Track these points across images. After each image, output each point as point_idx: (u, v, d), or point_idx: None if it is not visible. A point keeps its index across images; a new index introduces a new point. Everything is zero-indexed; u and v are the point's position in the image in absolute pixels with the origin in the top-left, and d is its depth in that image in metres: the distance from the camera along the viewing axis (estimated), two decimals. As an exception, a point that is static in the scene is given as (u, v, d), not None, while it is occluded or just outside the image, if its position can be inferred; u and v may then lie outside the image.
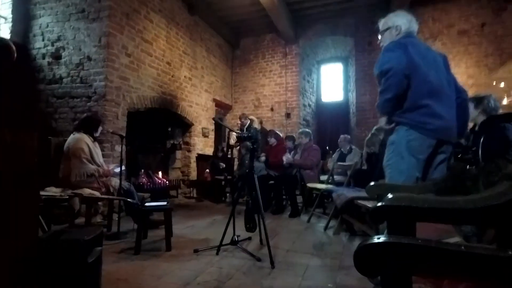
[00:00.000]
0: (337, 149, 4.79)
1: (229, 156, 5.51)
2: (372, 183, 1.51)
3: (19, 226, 1.22)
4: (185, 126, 5.81)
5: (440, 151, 1.66)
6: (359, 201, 2.56)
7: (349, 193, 2.86)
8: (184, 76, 5.53)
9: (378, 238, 0.56)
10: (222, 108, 7.15)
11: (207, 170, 5.50)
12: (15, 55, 1.49)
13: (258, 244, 2.60)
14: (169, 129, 5.72)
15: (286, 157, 4.42)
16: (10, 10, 3.93)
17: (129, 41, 4.16)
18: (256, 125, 5.54)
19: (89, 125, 3.04)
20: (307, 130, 4.72)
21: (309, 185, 3.99)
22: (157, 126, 5.38)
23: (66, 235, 1.51)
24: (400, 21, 1.80)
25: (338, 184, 3.84)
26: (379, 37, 1.92)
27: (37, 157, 1.30)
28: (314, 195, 4.09)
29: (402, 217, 0.81)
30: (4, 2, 3.90)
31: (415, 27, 1.81)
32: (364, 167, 3.95)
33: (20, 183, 1.27)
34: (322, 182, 4.13)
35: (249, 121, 5.27)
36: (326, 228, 3.19)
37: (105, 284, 1.66)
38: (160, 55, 4.85)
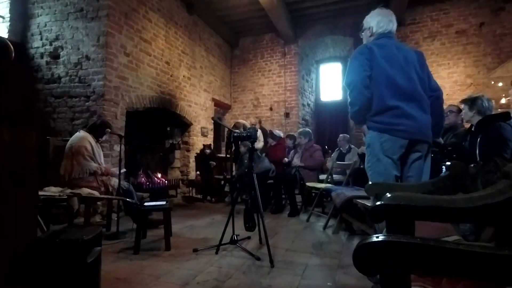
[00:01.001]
0: (336, 149, 4.80)
1: (228, 156, 5.49)
2: (370, 182, 1.52)
3: (18, 226, 1.22)
4: (184, 125, 5.80)
5: (414, 150, 1.68)
6: (358, 200, 2.57)
7: (348, 192, 2.87)
8: (183, 76, 5.52)
9: (377, 237, 0.57)
10: (221, 108, 7.15)
11: (198, 172, 5.47)
12: (13, 54, 1.48)
13: (257, 243, 2.60)
14: (168, 128, 5.72)
15: (293, 161, 4.45)
16: (8, 9, 3.91)
17: (128, 40, 4.15)
18: (249, 126, 5.49)
19: (99, 129, 3.06)
20: (307, 129, 4.71)
21: (308, 184, 3.99)
22: (156, 125, 5.38)
23: (65, 235, 1.51)
24: (372, 22, 1.84)
25: (337, 183, 3.85)
26: (361, 36, 1.96)
27: (35, 157, 1.29)
28: (313, 194, 4.09)
29: (401, 216, 0.81)
30: (2, 1, 3.88)
31: (389, 26, 1.82)
32: (362, 166, 3.96)
33: (19, 183, 1.26)
34: (321, 181, 4.13)
35: (242, 127, 5.20)
36: (325, 227, 3.19)
37: (104, 284, 1.66)
38: (159, 55, 4.84)
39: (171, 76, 5.14)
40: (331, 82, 7.96)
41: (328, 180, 3.92)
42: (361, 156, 3.63)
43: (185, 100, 5.56)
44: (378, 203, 0.88)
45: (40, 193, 2.44)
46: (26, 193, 1.29)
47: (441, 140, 2.56)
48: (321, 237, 2.91)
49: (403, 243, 0.54)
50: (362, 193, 2.53)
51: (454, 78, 5.70)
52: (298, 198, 4.41)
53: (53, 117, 3.91)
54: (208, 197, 5.23)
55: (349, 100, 1.74)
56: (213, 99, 6.62)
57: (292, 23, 6.64)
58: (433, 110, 1.74)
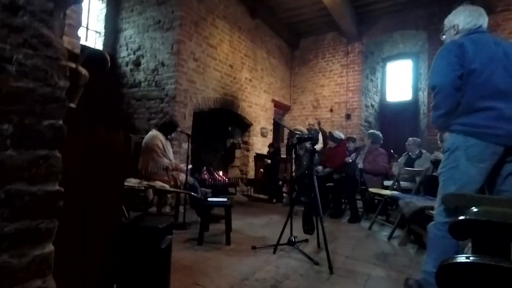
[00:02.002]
0: (404, 153, 4.41)
1: (283, 156, 5.49)
2: (450, 193, 1.37)
3: (109, 212, 1.43)
4: (244, 126, 6.02)
5: (510, 160, 1.45)
6: (432, 212, 2.32)
7: (419, 201, 2.62)
8: (245, 78, 5.73)
9: (467, 258, 0.51)
10: (280, 109, 7.20)
11: (261, 170, 5.58)
12: (109, 65, 1.74)
13: (315, 247, 2.56)
14: (230, 128, 6.00)
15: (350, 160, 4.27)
16: (103, 26, 4.60)
17: (197, 47, 4.49)
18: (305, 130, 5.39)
19: (168, 127, 3.40)
20: (377, 133, 4.42)
21: (372, 190, 3.76)
22: (218, 125, 5.69)
23: (144, 222, 1.71)
24: (457, 19, 1.68)
25: (405, 190, 3.54)
26: (442, 38, 1.80)
27: (123, 152, 1.50)
28: (376, 201, 3.83)
29: (493, 235, 0.71)
30: (99, 20, 4.58)
31: (480, 21, 1.62)
32: (436, 173, 3.56)
33: (112, 174, 1.48)
34: (386, 187, 3.84)
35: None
36: (390, 237, 2.97)
37: (172, 270, 1.83)
38: (224, 59, 5.11)
39: (234, 78, 5.38)
40: (399, 81, 7.33)
41: (394, 187, 3.63)
42: (435, 163, 3.27)
43: (246, 101, 5.76)
44: (462, 217, 0.80)
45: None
46: (117, 183, 1.51)
47: None
48: (385, 248, 2.71)
49: (501, 268, 0.48)
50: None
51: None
52: (359, 203, 4.18)
53: (134, 117, 4.46)
54: (271, 198, 5.28)
55: (433, 103, 1.60)
56: (273, 100, 6.71)
57: (356, 20, 6.32)
58: None
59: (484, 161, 1.45)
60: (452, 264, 0.52)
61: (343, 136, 4.70)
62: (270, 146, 5.77)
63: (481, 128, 1.45)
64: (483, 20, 1.62)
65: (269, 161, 5.43)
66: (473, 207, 0.80)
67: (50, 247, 0.77)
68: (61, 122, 0.79)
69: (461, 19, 1.66)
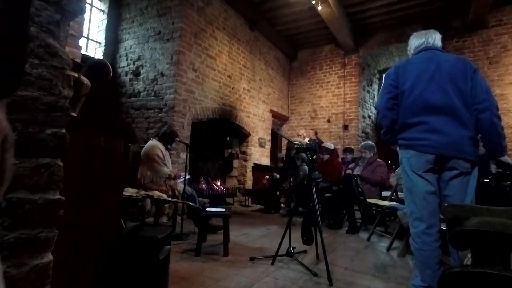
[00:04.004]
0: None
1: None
2: (448, 203, 1.38)
3: (108, 220, 1.41)
4: (242, 136, 6.03)
5: (448, 167, 1.57)
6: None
7: (417, 212, 2.61)
8: (243, 88, 5.78)
9: (468, 267, 0.52)
10: (278, 119, 7.24)
11: (267, 177, 5.52)
12: (111, 74, 1.76)
13: (314, 258, 2.53)
14: (228, 138, 6.01)
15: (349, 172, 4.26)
16: (103, 36, 4.66)
17: (196, 57, 4.55)
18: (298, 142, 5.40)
19: (168, 137, 3.41)
20: (370, 143, 4.43)
21: (370, 200, 3.75)
22: (216, 135, 5.70)
23: (142, 232, 1.69)
24: (410, 43, 1.90)
25: (403, 201, 3.53)
26: None
27: (123, 161, 1.50)
28: (374, 211, 3.82)
29: (492, 245, 0.72)
30: (100, 30, 4.64)
31: (423, 39, 1.80)
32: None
33: (111, 182, 1.47)
34: (384, 198, 3.84)
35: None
36: (389, 248, 2.94)
37: (170, 281, 1.80)
38: (223, 69, 5.17)
39: (232, 88, 5.43)
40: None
41: (393, 197, 3.62)
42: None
43: (244, 111, 5.79)
44: (462, 227, 0.80)
45: (122, 193, 2.77)
46: (116, 191, 1.50)
47: (507, 158, 2.23)
48: (384, 259, 2.69)
49: (502, 277, 0.49)
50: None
51: (554, 86, 4.81)
52: (357, 214, 4.16)
53: (132, 126, 4.47)
54: (270, 209, 5.22)
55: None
56: (271, 111, 6.76)
57: (353, 33, 6.46)
58: (480, 126, 1.58)
59: (421, 169, 1.59)
60: (454, 273, 0.52)
61: (333, 146, 4.66)
62: (279, 161, 5.70)
63: (414, 140, 1.61)
64: (427, 38, 1.78)
65: (278, 175, 5.32)
66: (473, 218, 0.81)
67: (49, 257, 0.76)
68: (64, 130, 0.80)
69: (412, 42, 1.87)
